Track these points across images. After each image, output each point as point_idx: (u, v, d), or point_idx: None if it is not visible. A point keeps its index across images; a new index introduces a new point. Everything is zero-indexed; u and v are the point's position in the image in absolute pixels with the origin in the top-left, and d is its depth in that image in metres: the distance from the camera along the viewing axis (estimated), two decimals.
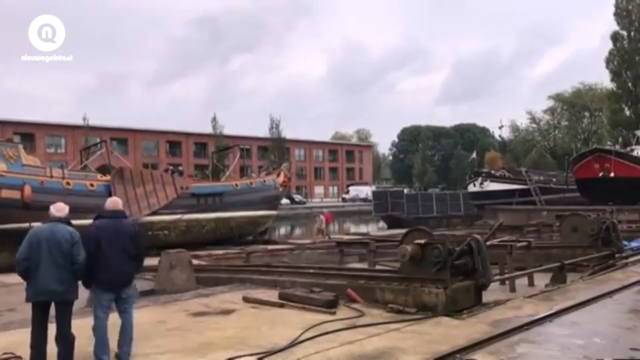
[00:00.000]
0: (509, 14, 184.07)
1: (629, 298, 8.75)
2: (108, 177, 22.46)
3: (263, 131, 72.99)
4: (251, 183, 28.22)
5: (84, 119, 57.44)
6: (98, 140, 32.51)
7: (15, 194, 19.28)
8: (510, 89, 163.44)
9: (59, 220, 5.67)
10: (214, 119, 65.34)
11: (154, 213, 23.03)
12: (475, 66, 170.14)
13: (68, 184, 21.00)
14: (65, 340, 5.53)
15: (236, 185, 27.32)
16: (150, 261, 16.25)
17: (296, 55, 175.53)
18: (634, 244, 15.97)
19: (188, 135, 76.95)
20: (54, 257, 5.42)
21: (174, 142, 77.83)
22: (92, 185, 21.72)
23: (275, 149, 69.92)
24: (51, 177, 20.84)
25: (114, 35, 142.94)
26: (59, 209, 5.73)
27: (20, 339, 6.69)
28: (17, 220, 17.98)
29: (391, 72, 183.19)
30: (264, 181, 28.96)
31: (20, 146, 21.56)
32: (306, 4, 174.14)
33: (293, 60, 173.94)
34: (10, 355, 5.69)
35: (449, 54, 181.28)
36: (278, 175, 30.28)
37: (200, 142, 75.77)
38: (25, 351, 5.95)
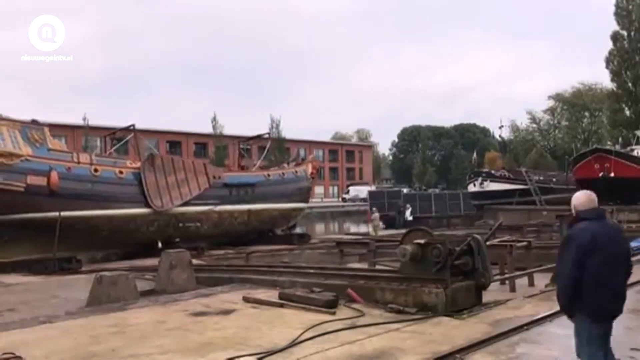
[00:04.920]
0: None
1: (629, 298, 8.71)
2: (138, 164, 21.17)
3: (263, 131, 72.99)
4: (283, 174, 26.92)
5: (84, 119, 57.42)
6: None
7: (41, 181, 17.70)
8: None
9: None
10: (214, 119, 65.18)
11: (186, 203, 21.72)
12: None
13: (96, 170, 19.50)
14: None
15: (268, 175, 26.09)
16: (150, 261, 16.31)
17: None
18: (634, 244, 15.96)
19: (188, 135, 76.94)
20: None
21: (174, 142, 77.80)
22: (121, 172, 20.37)
23: (275, 148, 69.79)
24: (78, 162, 19.29)
25: None
26: None
27: (20, 339, 6.70)
28: (43, 208, 16.98)
29: None
30: (296, 172, 27.64)
31: (46, 129, 19.41)
32: None
33: None
34: (10, 356, 5.68)
35: None
36: (306, 166, 29.43)
37: (201, 142, 75.80)
38: (25, 351, 5.95)
